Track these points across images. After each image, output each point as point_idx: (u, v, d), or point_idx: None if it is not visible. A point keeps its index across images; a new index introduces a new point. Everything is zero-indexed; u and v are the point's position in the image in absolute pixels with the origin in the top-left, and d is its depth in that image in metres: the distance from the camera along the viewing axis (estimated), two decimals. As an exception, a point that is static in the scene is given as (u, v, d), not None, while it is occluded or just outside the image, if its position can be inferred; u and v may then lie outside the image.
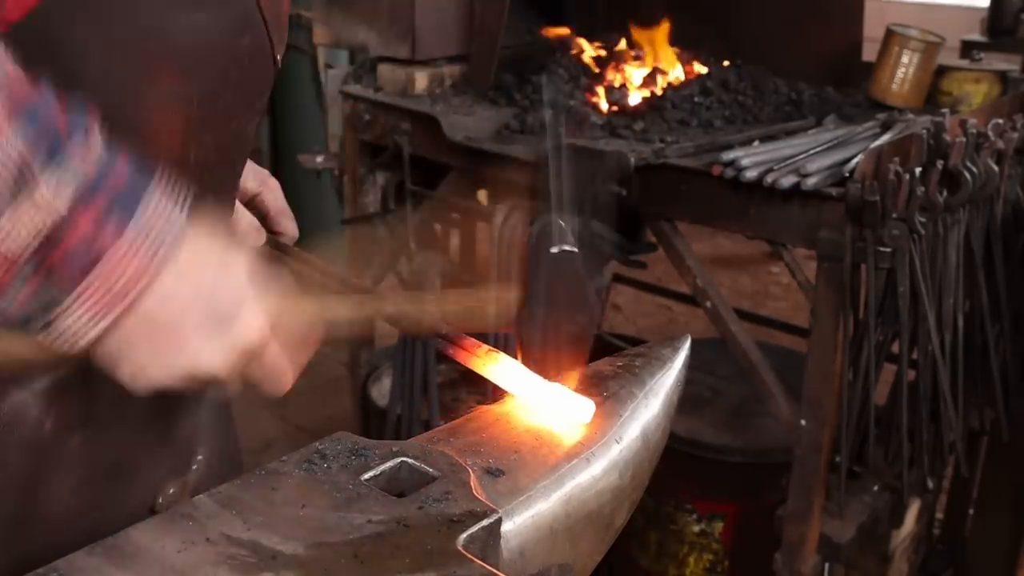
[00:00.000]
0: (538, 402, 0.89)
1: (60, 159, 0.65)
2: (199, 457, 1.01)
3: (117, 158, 0.69)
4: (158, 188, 0.70)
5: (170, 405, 0.95)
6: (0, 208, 0.64)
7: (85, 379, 0.82)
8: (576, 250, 0.85)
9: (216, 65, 0.80)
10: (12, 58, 0.66)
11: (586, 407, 0.88)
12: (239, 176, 0.99)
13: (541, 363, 0.89)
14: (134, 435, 0.91)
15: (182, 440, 0.98)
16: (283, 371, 0.79)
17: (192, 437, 1.00)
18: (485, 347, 0.91)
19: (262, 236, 1.12)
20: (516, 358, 0.90)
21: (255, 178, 1.12)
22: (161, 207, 0.70)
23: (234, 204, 1.02)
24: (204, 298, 0.72)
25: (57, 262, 0.66)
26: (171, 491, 0.95)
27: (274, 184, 1.14)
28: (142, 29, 0.75)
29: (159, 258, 0.69)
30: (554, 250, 0.83)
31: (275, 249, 1.13)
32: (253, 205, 1.12)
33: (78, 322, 0.68)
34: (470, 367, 0.92)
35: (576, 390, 0.90)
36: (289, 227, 1.14)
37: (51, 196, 0.65)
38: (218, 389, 0.78)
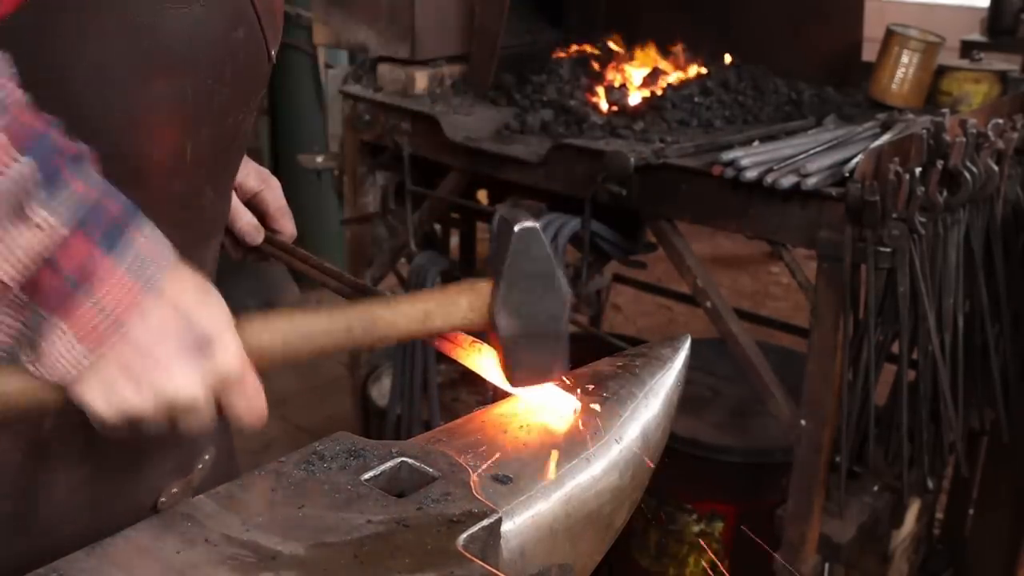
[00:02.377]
0: (521, 395, 0.89)
1: (62, 184, 0.65)
2: (205, 457, 1.01)
3: (111, 186, 0.69)
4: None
5: None
6: None
7: None
8: (537, 225, 0.83)
9: (210, 60, 0.80)
10: (16, 82, 0.66)
11: (567, 400, 0.89)
12: (236, 172, 0.99)
13: (516, 354, 0.85)
14: (140, 434, 0.91)
15: (189, 439, 0.97)
16: (261, 401, 0.76)
17: (200, 437, 0.99)
18: (469, 338, 0.91)
19: (261, 234, 1.13)
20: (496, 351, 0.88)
21: (257, 176, 1.12)
22: (153, 233, 0.70)
23: (231, 200, 1.03)
24: (183, 321, 0.71)
25: (53, 286, 0.65)
26: (174, 490, 0.95)
27: (275, 183, 1.15)
28: (135, 24, 0.75)
29: (150, 284, 0.69)
30: (517, 228, 0.82)
31: (273, 247, 1.14)
32: (253, 204, 1.13)
33: (72, 350, 0.67)
34: (453, 357, 0.92)
35: (576, 390, 0.90)
36: (288, 226, 1.15)
37: (54, 221, 0.65)
38: (193, 421, 0.74)
